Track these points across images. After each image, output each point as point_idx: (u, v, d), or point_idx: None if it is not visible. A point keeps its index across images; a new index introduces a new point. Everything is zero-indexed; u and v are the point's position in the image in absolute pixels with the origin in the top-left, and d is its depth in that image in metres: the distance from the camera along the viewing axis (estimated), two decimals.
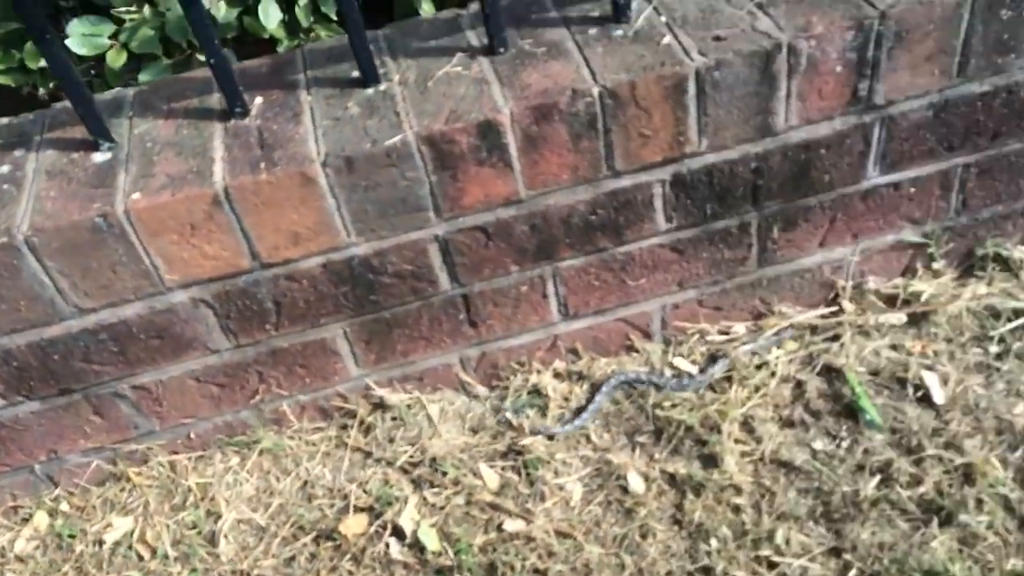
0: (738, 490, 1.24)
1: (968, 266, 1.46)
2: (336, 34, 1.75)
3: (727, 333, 1.43)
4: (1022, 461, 1.22)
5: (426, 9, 1.91)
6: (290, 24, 1.59)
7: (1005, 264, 1.44)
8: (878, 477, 1.23)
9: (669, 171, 1.21)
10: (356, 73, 1.18)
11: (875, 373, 1.36)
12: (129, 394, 1.24)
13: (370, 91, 1.17)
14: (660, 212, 1.26)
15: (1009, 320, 1.39)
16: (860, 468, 1.25)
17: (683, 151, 1.19)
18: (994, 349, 1.37)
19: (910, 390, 1.33)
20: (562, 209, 1.21)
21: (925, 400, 1.32)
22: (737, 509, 1.23)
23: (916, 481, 1.22)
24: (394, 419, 1.35)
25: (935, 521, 1.17)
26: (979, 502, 1.17)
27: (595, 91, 1.11)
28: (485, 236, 1.21)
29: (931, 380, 1.33)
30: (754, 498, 1.24)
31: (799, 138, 1.22)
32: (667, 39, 1.15)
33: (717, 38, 1.14)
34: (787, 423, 1.32)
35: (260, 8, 1.47)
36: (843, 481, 1.24)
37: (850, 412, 1.32)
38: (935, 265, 1.44)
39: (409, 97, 1.15)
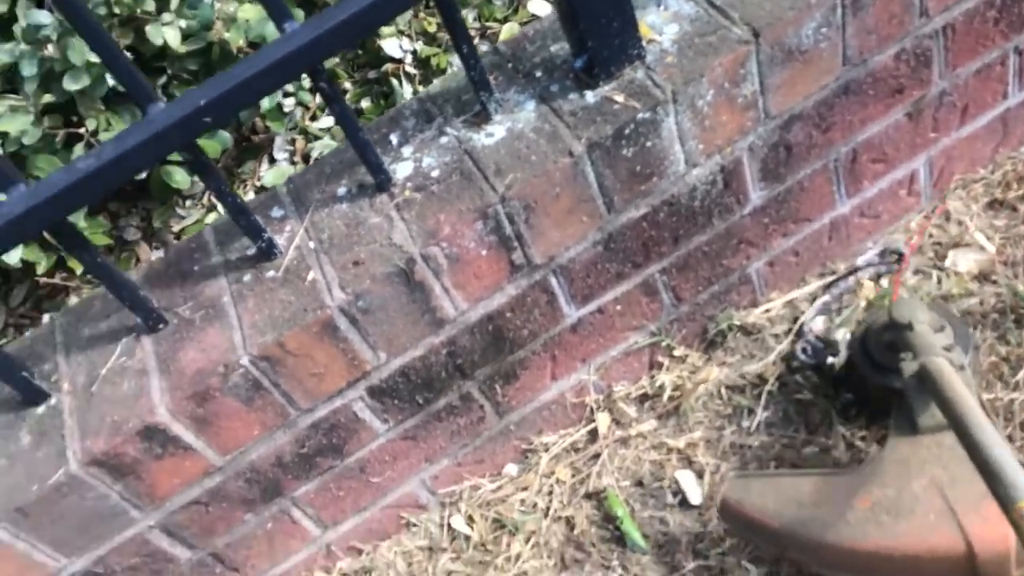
0: None
1: (711, 342, 1.48)
2: (102, 228, 1.80)
3: (498, 477, 1.46)
4: (770, 556, 1.26)
5: (179, 180, 1.92)
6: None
7: (745, 330, 1.47)
8: None
9: (361, 388, 1.22)
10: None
11: (640, 483, 1.40)
12: None
13: (41, 410, 1.16)
14: (372, 419, 1.26)
15: (754, 387, 1.43)
16: None
17: (365, 369, 1.19)
18: (747, 424, 1.40)
19: (669, 496, 1.36)
20: (268, 456, 1.21)
21: (685, 503, 1.35)
22: None
23: None
24: None
25: None
26: None
27: (245, 360, 1.10)
28: (202, 506, 1.21)
29: (686, 480, 1.37)
30: None
31: (478, 315, 1.23)
32: (312, 274, 1.15)
33: (356, 263, 1.14)
34: (562, 566, 1.35)
35: None
36: None
37: (620, 536, 1.35)
38: (677, 353, 1.47)
39: (76, 410, 1.14)
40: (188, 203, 2.08)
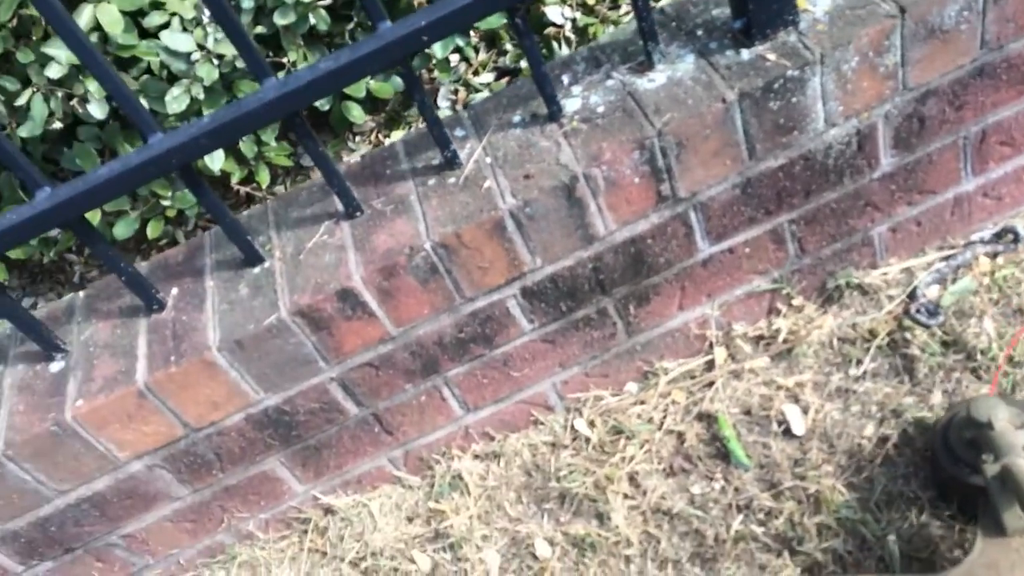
0: (628, 542, 1.45)
1: (828, 296, 1.62)
2: (286, 151, 2.07)
3: (619, 393, 1.64)
4: (866, 482, 1.39)
5: (356, 115, 2.17)
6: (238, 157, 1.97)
7: (861, 288, 1.60)
8: (742, 515, 1.42)
9: (516, 287, 1.42)
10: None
11: (747, 412, 1.55)
12: (120, 542, 1.52)
13: (257, 270, 1.41)
14: (521, 318, 1.46)
15: (865, 340, 1.55)
16: (730, 507, 1.44)
17: (522, 270, 1.39)
18: (854, 372, 1.54)
19: (774, 425, 1.51)
20: (432, 335, 1.43)
21: (788, 433, 1.50)
22: (628, 560, 1.44)
23: (776, 514, 1.40)
24: (343, 520, 1.60)
25: (786, 553, 1.36)
26: (826, 528, 1.35)
27: (428, 245, 1.32)
28: (374, 368, 1.44)
29: (792, 413, 1.51)
30: (643, 548, 1.45)
31: (623, 237, 1.41)
32: (488, 183, 1.36)
33: (527, 176, 1.34)
34: (670, 472, 1.52)
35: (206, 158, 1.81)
36: (716, 522, 1.43)
37: (725, 454, 1.51)
38: (795, 302, 1.61)
39: (286, 272, 1.38)
40: (358, 138, 2.35)
